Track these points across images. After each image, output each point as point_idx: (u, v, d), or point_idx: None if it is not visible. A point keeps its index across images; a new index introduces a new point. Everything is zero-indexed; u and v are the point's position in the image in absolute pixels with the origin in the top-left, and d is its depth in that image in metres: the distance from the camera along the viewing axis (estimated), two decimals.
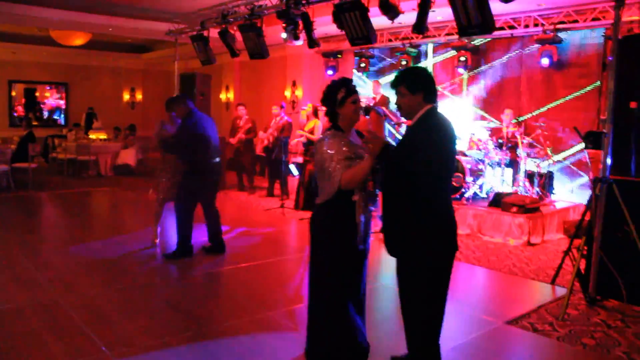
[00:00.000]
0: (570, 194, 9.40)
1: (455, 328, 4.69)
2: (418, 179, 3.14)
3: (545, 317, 5.01)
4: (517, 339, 4.67)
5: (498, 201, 8.31)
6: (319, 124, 9.59)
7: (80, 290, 5.41)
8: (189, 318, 4.82)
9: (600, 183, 5.23)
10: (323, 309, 3.56)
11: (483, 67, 10.77)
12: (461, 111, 10.88)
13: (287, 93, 14.07)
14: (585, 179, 9.16)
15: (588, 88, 9.25)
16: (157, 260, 6.67)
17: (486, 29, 5.68)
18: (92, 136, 15.02)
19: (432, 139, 3.18)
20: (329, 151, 3.40)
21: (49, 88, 18.62)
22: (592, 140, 5.61)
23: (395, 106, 3.44)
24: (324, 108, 3.65)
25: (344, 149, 3.41)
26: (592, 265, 5.33)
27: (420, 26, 6.29)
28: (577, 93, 9.38)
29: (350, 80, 3.61)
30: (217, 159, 6.72)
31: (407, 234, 3.25)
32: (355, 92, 3.55)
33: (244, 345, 4.27)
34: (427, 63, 11.84)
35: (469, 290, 6.06)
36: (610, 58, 5.35)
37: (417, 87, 3.29)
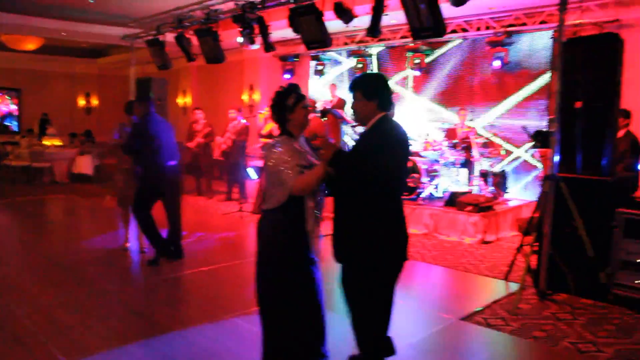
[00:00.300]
0: (524, 190, 9.65)
1: (411, 325, 4.80)
2: (370, 185, 3.17)
3: (499, 312, 5.15)
4: (472, 334, 4.77)
5: (453, 201, 8.48)
6: (276, 127, 9.59)
7: (35, 298, 5.31)
8: (147, 322, 4.79)
9: (549, 180, 5.41)
10: (277, 319, 3.45)
11: (437, 69, 10.96)
12: (416, 112, 11.05)
13: (245, 97, 14.05)
14: (537, 172, 9.42)
15: (537, 88, 9.53)
16: (114, 265, 6.58)
17: (438, 32, 5.78)
18: (47, 142, 14.70)
19: (385, 145, 3.19)
20: (281, 157, 3.33)
21: None
22: (541, 139, 5.80)
23: (351, 110, 3.48)
24: (275, 115, 3.58)
25: (295, 155, 3.36)
26: (542, 260, 5.50)
27: (374, 29, 6.37)
28: (528, 93, 9.65)
29: (298, 87, 3.57)
30: (173, 162, 6.65)
31: (357, 240, 3.26)
32: (305, 97, 3.51)
33: (202, 349, 4.27)
34: (372, 51, 11.98)
35: (425, 288, 6.17)
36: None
37: (372, 94, 3.33)
